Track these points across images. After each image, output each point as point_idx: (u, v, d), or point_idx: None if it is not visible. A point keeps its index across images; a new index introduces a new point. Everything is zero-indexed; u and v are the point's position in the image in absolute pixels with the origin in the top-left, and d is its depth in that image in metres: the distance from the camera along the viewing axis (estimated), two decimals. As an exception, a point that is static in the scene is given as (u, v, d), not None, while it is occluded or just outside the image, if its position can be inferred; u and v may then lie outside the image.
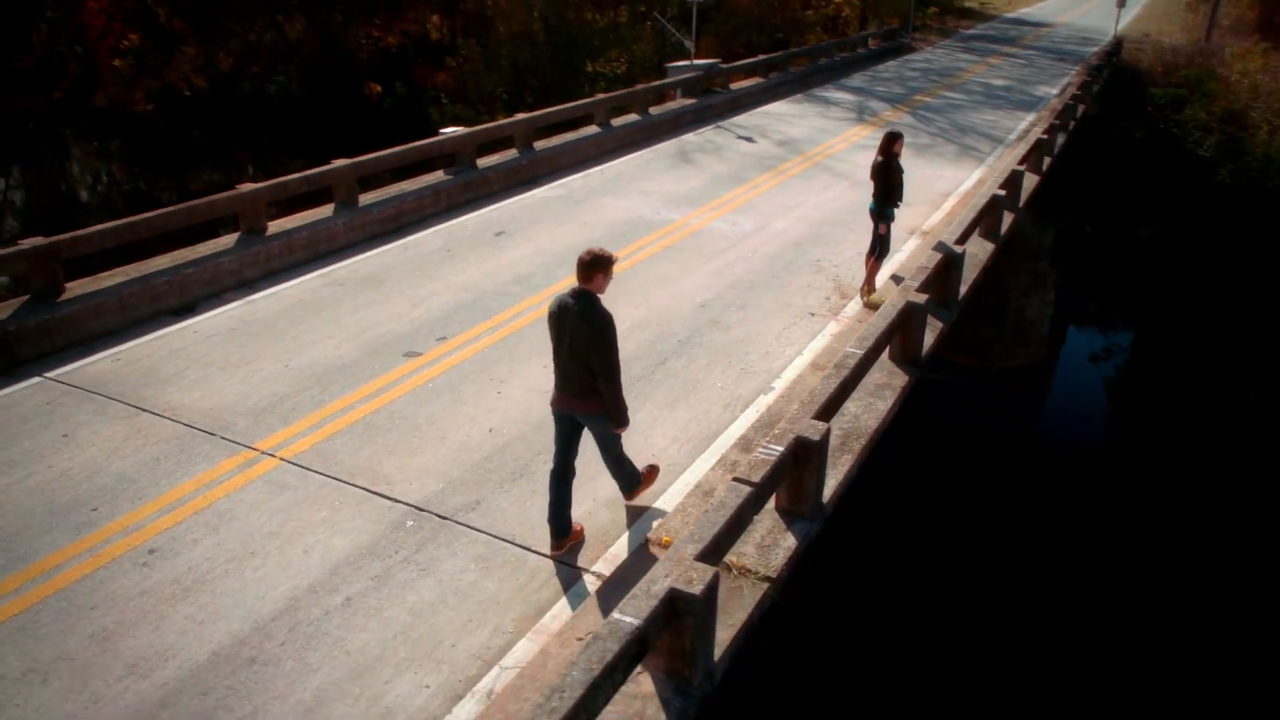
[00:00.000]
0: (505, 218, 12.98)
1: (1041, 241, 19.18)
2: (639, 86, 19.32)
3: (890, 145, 9.52)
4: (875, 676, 9.39)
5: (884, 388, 7.27)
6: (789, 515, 5.60)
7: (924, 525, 13.10)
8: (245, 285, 10.29)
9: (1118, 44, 31.98)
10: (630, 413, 5.70)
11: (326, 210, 11.77)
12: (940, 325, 8.61)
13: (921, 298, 7.52)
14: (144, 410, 7.55)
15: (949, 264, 8.67)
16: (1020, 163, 13.00)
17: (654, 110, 18.96)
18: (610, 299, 5.64)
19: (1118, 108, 28.76)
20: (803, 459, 5.39)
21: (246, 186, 10.77)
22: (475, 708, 4.65)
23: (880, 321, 7.08)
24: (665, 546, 5.24)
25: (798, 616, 9.04)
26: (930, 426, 16.43)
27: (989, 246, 11.12)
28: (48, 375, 8.17)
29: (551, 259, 11.23)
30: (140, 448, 7.00)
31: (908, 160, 17.57)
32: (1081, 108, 20.63)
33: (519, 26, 34.37)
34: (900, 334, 7.58)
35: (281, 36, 38.55)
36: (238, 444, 7.05)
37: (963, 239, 9.40)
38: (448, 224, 12.65)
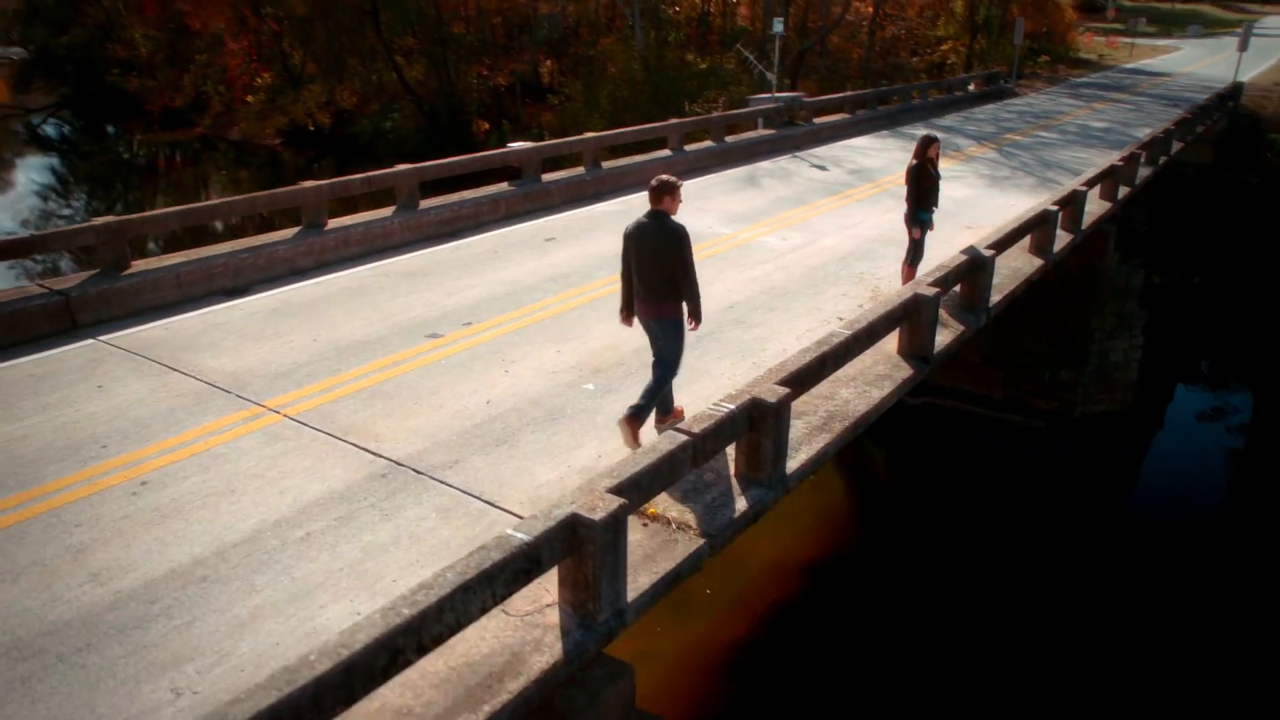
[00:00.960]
0: (559, 227, 13.28)
1: (1129, 282, 18.22)
2: (714, 114, 19.54)
3: (925, 149, 9.35)
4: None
5: (884, 378, 7.06)
6: (746, 480, 5.48)
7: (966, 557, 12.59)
8: (298, 273, 10.84)
9: (1236, 89, 30.40)
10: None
11: (386, 211, 12.32)
12: (962, 328, 8.32)
13: (932, 291, 7.30)
14: (174, 370, 8.02)
15: (974, 266, 8.39)
16: (1085, 184, 12.48)
17: (730, 138, 19.12)
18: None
19: (1234, 154, 27.30)
20: (758, 421, 5.29)
21: (309, 183, 11.40)
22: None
23: (879, 309, 6.90)
24: (650, 517, 5.18)
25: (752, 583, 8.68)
26: (1008, 468, 15.71)
27: (1036, 262, 10.68)
28: (100, 339, 8.79)
29: (594, 262, 11.41)
30: (161, 400, 7.43)
31: (982, 189, 17.23)
32: (1178, 144, 19.68)
33: (620, 67, 35.35)
34: (908, 326, 7.36)
35: (400, 78, 40.68)
36: (248, 400, 7.40)
37: (998, 246, 9.08)
38: (502, 230, 13.04)
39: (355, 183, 12.11)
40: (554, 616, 4.33)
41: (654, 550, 4.86)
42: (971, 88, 31.67)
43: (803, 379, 5.83)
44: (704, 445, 4.96)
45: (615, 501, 4.15)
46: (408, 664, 3.45)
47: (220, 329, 9.09)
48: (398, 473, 6.31)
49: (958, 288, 8.70)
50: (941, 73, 43.00)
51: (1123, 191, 14.81)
